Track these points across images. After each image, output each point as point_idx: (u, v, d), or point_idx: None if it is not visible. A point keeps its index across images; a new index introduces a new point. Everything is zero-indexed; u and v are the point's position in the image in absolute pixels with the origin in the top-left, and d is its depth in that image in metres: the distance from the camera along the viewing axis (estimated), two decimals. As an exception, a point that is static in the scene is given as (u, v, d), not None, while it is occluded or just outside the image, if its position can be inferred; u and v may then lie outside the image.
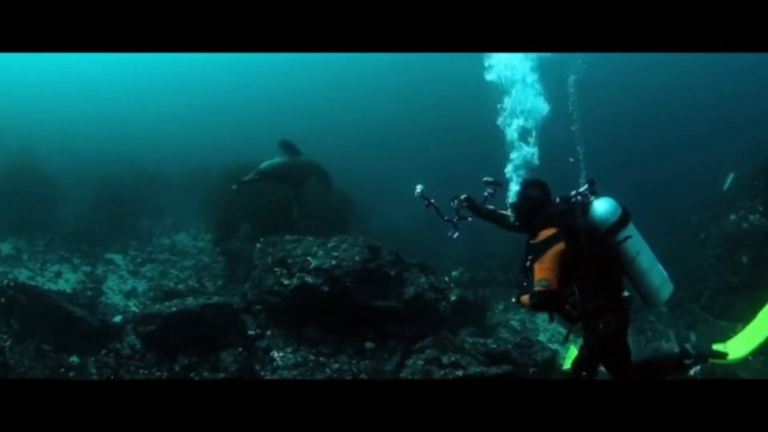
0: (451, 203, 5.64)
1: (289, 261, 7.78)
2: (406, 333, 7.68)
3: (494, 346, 7.47)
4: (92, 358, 6.85)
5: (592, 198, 4.99)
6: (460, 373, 6.33)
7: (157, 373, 6.71)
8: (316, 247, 7.91)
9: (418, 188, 5.60)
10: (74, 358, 6.80)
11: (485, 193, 5.56)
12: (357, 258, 7.68)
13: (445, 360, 6.49)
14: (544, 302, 4.88)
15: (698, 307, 13.83)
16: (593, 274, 4.86)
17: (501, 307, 14.30)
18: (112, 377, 6.60)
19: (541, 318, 14.23)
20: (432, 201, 5.62)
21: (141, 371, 6.74)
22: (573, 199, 5.07)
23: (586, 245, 4.81)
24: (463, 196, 5.62)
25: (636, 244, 4.94)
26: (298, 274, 7.60)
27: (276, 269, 7.87)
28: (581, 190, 5.08)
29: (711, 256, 14.80)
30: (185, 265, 14.28)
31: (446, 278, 9.47)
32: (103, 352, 7.01)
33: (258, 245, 8.60)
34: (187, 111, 36.88)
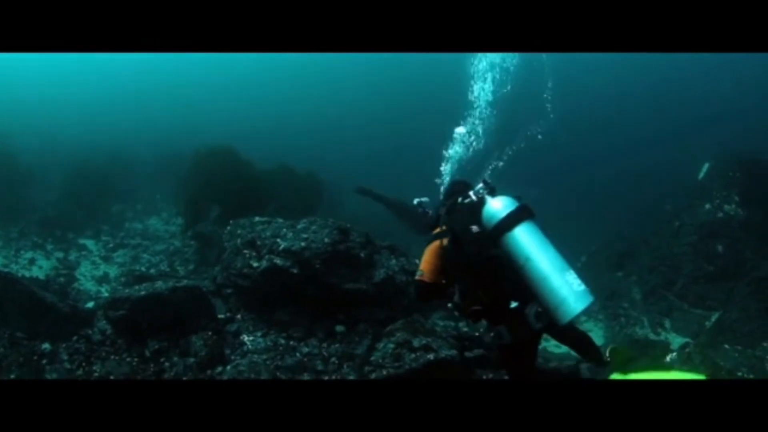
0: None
1: (258, 243, 7.63)
2: (377, 316, 7.57)
3: (466, 329, 7.39)
4: (64, 345, 6.69)
5: (488, 197, 4.88)
6: (431, 356, 6.18)
7: (128, 359, 6.57)
8: (285, 229, 7.76)
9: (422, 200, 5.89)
10: (46, 345, 6.63)
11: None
12: (326, 240, 7.53)
13: (416, 343, 6.34)
14: (418, 291, 5.03)
15: (672, 294, 13.88)
16: (471, 276, 4.78)
17: (479, 291, 14.33)
18: (83, 364, 6.47)
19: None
20: (429, 212, 5.80)
21: (112, 357, 6.59)
22: (467, 200, 5.06)
23: (468, 246, 4.78)
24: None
25: (526, 247, 4.60)
26: (267, 256, 7.45)
27: (245, 251, 7.72)
28: (477, 189, 5.05)
29: (685, 243, 14.90)
30: (157, 250, 14.28)
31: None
32: (75, 338, 6.86)
33: (228, 227, 8.45)
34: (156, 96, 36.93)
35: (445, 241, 4.94)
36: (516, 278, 4.60)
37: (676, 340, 12.09)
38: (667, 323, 13.34)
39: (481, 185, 5.06)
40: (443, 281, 4.99)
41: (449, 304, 4.96)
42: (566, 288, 4.45)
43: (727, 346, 11.12)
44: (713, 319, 12.73)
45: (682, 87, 40.86)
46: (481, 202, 4.90)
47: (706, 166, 17.51)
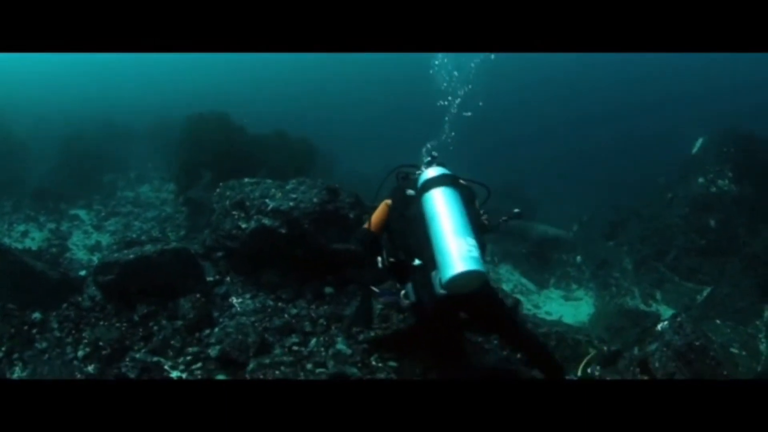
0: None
1: (247, 204, 7.57)
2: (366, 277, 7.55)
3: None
4: (54, 313, 6.68)
5: (428, 167, 5.31)
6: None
7: (117, 324, 6.52)
8: (274, 189, 7.69)
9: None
10: (36, 314, 6.62)
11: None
12: (315, 200, 7.47)
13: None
14: (360, 237, 5.61)
15: (664, 266, 13.89)
16: (396, 231, 5.35)
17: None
18: (73, 331, 6.43)
19: (504, 269, 14.35)
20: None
21: (101, 323, 6.54)
22: (418, 170, 5.44)
23: (398, 205, 5.35)
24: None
25: (435, 208, 4.86)
26: (255, 217, 7.40)
27: (234, 212, 7.66)
28: (426, 161, 5.55)
29: (678, 216, 14.95)
30: (148, 217, 14.31)
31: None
32: (64, 305, 6.84)
33: (217, 190, 8.39)
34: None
35: (389, 200, 5.54)
36: (423, 236, 4.85)
37: (667, 312, 12.12)
38: (658, 295, 13.38)
39: (429, 158, 5.54)
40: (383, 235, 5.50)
41: (378, 258, 5.32)
42: (456, 250, 4.54)
43: (718, 321, 11.19)
44: (705, 293, 12.77)
45: (679, 61, 40.90)
46: (422, 171, 5.32)
47: (700, 140, 17.50)
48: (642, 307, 12.54)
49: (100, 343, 6.18)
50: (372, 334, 6.38)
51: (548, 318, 11.46)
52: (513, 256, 15.19)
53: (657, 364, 5.37)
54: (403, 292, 5.17)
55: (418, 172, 5.42)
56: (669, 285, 13.62)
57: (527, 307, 12.51)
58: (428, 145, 6.04)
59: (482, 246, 4.93)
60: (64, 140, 18.51)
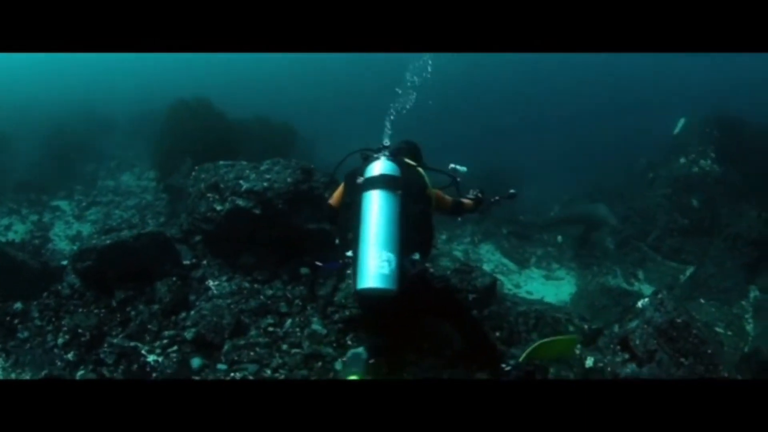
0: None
1: (222, 186, 7.50)
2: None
3: (432, 270, 7.35)
4: (35, 302, 6.69)
5: (377, 158, 5.35)
6: (391, 296, 6.20)
7: (95, 311, 6.55)
8: (248, 171, 7.63)
9: (461, 168, 6.10)
10: (18, 305, 6.65)
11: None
12: (289, 179, 7.41)
13: None
14: (323, 209, 6.08)
15: (646, 245, 13.94)
16: (342, 216, 5.53)
17: (444, 237, 14.40)
18: (53, 319, 6.47)
19: (485, 248, 14.37)
20: (459, 179, 6.14)
21: (80, 310, 6.56)
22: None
23: (349, 191, 5.49)
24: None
25: (368, 211, 4.99)
26: (229, 198, 7.34)
27: (208, 195, 7.59)
28: (379, 147, 5.64)
29: (660, 196, 15.04)
30: (129, 205, 14.33)
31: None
32: (45, 294, 6.84)
33: (193, 173, 8.33)
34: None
35: (343, 184, 5.71)
36: (355, 234, 5.01)
37: (650, 291, 12.16)
38: (641, 274, 13.44)
39: (382, 146, 5.60)
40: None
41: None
42: (368, 264, 4.73)
43: (702, 300, 11.24)
44: (688, 273, 12.82)
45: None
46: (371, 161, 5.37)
47: (681, 121, 17.57)
48: (624, 286, 12.56)
49: (80, 330, 6.22)
50: (347, 313, 6.38)
51: (529, 297, 11.44)
52: (494, 236, 15.18)
53: (638, 342, 5.35)
54: (348, 271, 5.27)
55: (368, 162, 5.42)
56: (651, 264, 13.68)
57: (508, 286, 12.51)
58: (387, 124, 6.10)
59: (421, 248, 5.24)
60: (45, 132, 18.42)
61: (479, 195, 6.21)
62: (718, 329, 9.72)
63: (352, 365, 5.22)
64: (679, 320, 5.32)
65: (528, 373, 5.40)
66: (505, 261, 14.12)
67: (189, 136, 13.15)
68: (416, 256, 5.13)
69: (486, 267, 13.23)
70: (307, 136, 16.94)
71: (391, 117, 6.12)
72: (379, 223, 4.88)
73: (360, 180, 5.23)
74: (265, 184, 7.34)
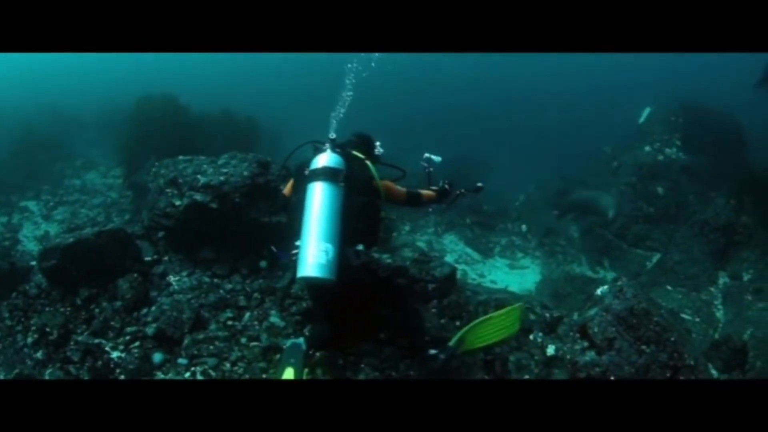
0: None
1: (180, 181, 7.49)
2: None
3: (390, 260, 7.40)
4: (5, 303, 6.71)
5: (323, 150, 5.47)
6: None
7: (61, 309, 6.57)
8: (206, 165, 7.63)
9: (435, 158, 6.26)
10: None
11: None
12: (245, 173, 7.42)
13: None
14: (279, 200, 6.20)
15: (610, 233, 14.02)
16: (291, 204, 5.72)
17: (407, 228, 14.45)
18: (22, 319, 6.51)
19: (449, 239, 14.43)
20: (431, 170, 6.30)
21: (47, 309, 6.59)
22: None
23: (297, 179, 5.67)
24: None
25: (311, 202, 5.13)
26: (187, 193, 7.34)
27: (168, 190, 7.58)
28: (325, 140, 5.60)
29: (624, 184, 15.05)
30: (94, 204, 14.33)
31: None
32: (14, 294, 6.84)
33: (153, 169, 8.33)
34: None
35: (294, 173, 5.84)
36: (299, 223, 5.13)
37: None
38: (606, 262, 13.52)
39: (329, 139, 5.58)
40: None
41: None
42: (308, 253, 4.91)
43: (669, 287, 11.33)
44: (654, 260, 12.91)
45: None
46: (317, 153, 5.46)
47: (647, 110, 17.71)
48: (589, 273, 12.67)
49: (47, 329, 6.28)
50: (304, 305, 6.43)
51: (493, 286, 11.50)
52: (457, 226, 15.25)
53: (596, 329, 5.33)
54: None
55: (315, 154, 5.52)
56: (617, 252, 13.79)
57: (472, 276, 12.61)
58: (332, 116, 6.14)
59: (366, 239, 5.44)
60: (11, 132, 18.21)
61: (447, 187, 6.27)
62: (685, 316, 9.78)
63: (290, 356, 5.20)
64: (638, 307, 5.32)
65: (457, 357, 5.51)
66: (469, 251, 14.19)
67: (154, 132, 13.14)
68: (360, 247, 5.30)
69: (449, 257, 13.32)
70: (272, 131, 16.96)
71: (341, 111, 6.13)
72: (320, 214, 5.01)
73: (306, 172, 5.33)
74: (222, 178, 7.34)
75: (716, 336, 8.92)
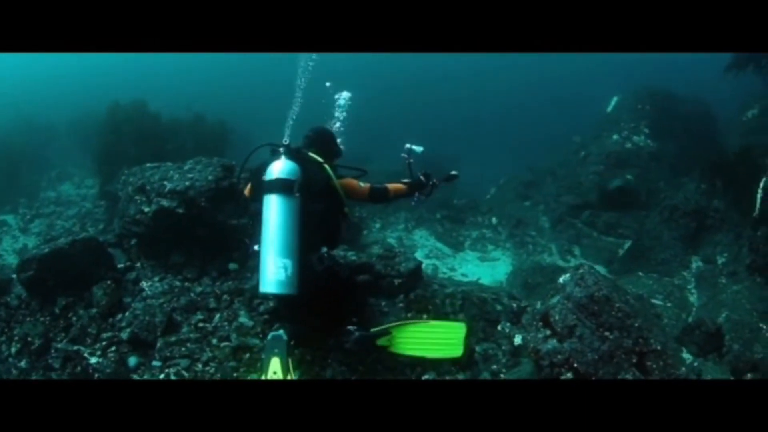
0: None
1: (148, 187, 7.64)
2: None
3: (354, 257, 7.54)
4: None
5: (279, 157, 5.42)
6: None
7: (41, 319, 6.75)
8: (172, 171, 7.78)
9: (417, 148, 6.32)
10: None
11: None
12: (210, 177, 7.58)
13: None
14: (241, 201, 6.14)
15: (580, 222, 14.13)
16: (251, 212, 5.68)
17: (378, 225, 14.54)
18: (5, 330, 6.70)
19: (419, 234, 14.56)
20: (411, 161, 6.33)
21: (28, 319, 6.77)
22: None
23: (254, 185, 5.75)
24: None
25: (268, 217, 5.19)
26: (155, 199, 7.48)
27: (136, 197, 7.72)
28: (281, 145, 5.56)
29: (592, 172, 15.15)
30: (69, 215, 14.39)
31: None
32: None
33: (122, 177, 8.45)
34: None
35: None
36: (258, 232, 5.24)
37: (585, 267, 12.33)
38: (577, 250, 13.59)
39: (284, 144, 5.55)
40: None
41: None
42: (266, 269, 5.05)
43: (641, 273, 11.45)
44: (626, 247, 13.04)
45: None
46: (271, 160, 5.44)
47: (615, 99, 17.86)
48: (560, 262, 12.78)
49: (29, 338, 6.48)
50: (272, 304, 6.58)
51: (464, 279, 11.61)
52: (427, 222, 15.35)
53: (557, 317, 5.34)
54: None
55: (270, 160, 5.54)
56: (587, 240, 13.88)
57: (443, 270, 12.74)
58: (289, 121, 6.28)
59: (327, 243, 5.56)
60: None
61: (422, 178, 6.29)
62: (656, 302, 9.76)
63: (274, 347, 5.39)
64: (599, 294, 5.32)
65: (371, 342, 5.66)
66: (440, 245, 14.29)
67: (125, 140, 13.23)
68: (324, 251, 5.40)
69: (420, 252, 13.46)
70: (244, 134, 17.04)
71: (294, 112, 6.31)
72: (276, 229, 5.08)
73: (262, 179, 5.36)
74: (187, 183, 7.49)
75: (689, 320, 8.87)
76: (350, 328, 5.62)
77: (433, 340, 5.89)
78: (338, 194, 5.63)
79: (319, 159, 5.66)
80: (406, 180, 6.26)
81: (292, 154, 5.48)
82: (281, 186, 5.17)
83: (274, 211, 5.12)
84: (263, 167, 5.45)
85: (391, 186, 6.14)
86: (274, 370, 5.19)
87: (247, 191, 6.08)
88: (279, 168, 5.27)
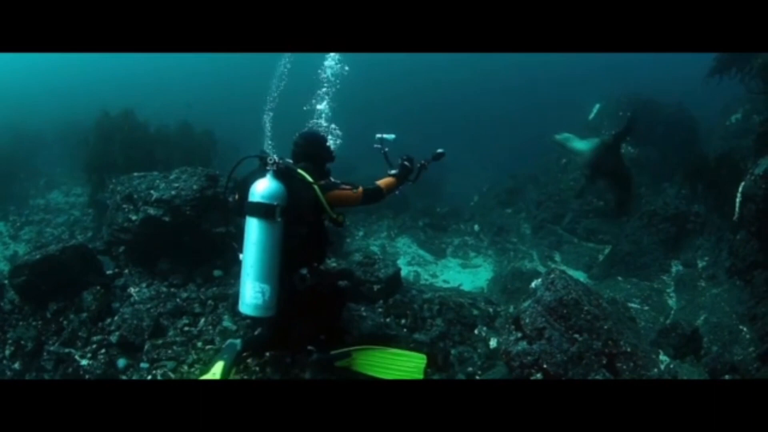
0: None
1: (135, 196, 7.87)
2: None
3: (335, 264, 7.76)
4: None
5: (265, 174, 5.21)
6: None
7: (33, 323, 6.99)
8: (158, 180, 8.03)
9: (388, 136, 6.24)
10: None
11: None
12: (195, 186, 7.84)
13: None
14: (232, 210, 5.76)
15: (561, 228, 14.34)
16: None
17: (361, 233, 14.72)
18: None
19: (402, 242, 14.75)
20: (386, 150, 6.24)
21: (20, 323, 7.01)
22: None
23: (239, 201, 5.43)
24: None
25: (246, 240, 5.16)
26: (142, 208, 7.72)
27: (124, 206, 7.95)
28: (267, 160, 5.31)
29: (572, 180, 15.33)
30: (59, 222, 14.64)
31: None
32: None
33: (110, 186, 8.67)
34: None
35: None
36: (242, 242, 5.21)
37: (569, 273, 12.49)
38: (557, 256, 13.76)
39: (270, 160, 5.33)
40: None
41: None
42: (248, 293, 5.09)
43: (620, 278, 11.66)
44: (606, 252, 13.26)
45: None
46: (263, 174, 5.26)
47: (596, 106, 18.06)
48: (540, 268, 12.89)
49: (22, 342, 6.75)
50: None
51: (446, 286, 11.80)
52: (410, 229, 15.56)
53: (527, 320, 5.47)
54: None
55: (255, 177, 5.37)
56: (568, 246, 14.12)
57: (425, 277, 12.98)
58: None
59: (310, 263, 5.50)
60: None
61: (406, 163, 6.18)
62: (633, 305, 9.96)
63: (225, 352, 5.49)
64: (568, 298, 5.44)
65: (330, 363, 5.73)
66: (422, 252, 14.54)
67: (113, 150, 13.41)
68: (304, 272, 5.34)
69: (402, 259, 13.69)
70: (230, 142, 17.22)
71: (270, 117, 6.47)
72: (256, 255, 5.06)
73: (245, 196, 5.24)
74: (173, 192, 7.76)
75: (667, 322, 8.90)
76: (310, 348, 5.70)
77: (393, 366, 5.89)
78: (326, 212, 5.46)
79: (309, 179, 5.35)
80: (392, 171, 6.15)
81: (280, 173, 5.24)
82: (263, 211, 5.05)
83: (254, 235, 5.07)
84: (249, 180, 5.30)
85: (382, 183, 6.00)
86: (214, 372, 5.26)
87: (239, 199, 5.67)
88: (262, 189, 5.10)
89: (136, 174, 8.38)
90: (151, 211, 7.66)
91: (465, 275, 13.40)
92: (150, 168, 8.84)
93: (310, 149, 5.81)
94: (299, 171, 5.37)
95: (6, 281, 7.50)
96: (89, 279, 7.46)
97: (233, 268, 7.74)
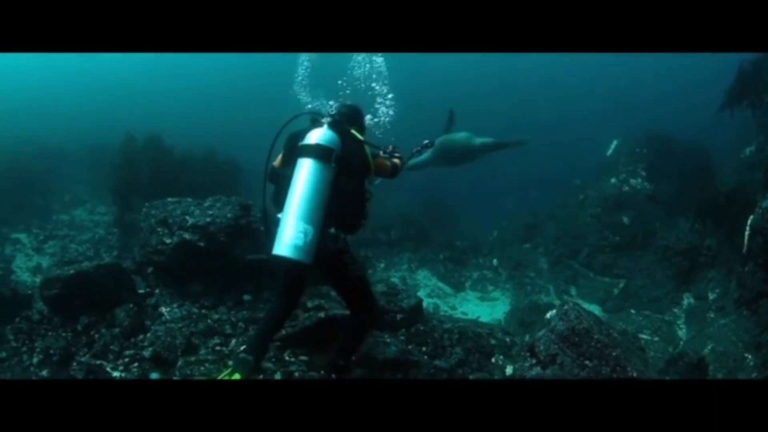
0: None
1: (170, 221, 8.16)
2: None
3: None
4: (9, 327, 7.23)
5: (320, 125, 5.25)
6: (322, 315, 6.98)
7: (63, 334, 7.14)
8: (193, 207, 8.35)
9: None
10: None
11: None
12: (229, 215, 8.16)
13: (309, 304, 7.16)
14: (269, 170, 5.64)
15: (578, 263, 14.52)
16: (279, 179, 5.42)
17: (382, 265, 14.92)
18: (27, 341, 7.07)
19: (422, 275, 14.95)
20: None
21: (50, 333, 7.16)
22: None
23: (287, 151, 5.44)
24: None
25: (297, 179, 5.00)
26: (177, 232, 8.01)
27: (158, 229, 8.23)
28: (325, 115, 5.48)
29: (589, 215, 15.57)
30: (83, 239, 14.83)
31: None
32: (17, 319, 7.37)
33: (143, 209, 8.94)
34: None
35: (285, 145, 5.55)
36: (284, 198, 5.06)
37: (584, 306, 12.63)
38: (573, 291, 13.92)
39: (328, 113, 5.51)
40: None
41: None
42: (285, 232, 4.85)
43: (633, 311, 11.86)
44: (620, 286, 13.44)
45: (601, 70, 41.97)
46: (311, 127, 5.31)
47: (614, 143, 18.27)
48: (556, 302, 13.03)
49: (51, 351, 6.86)
50: (283, 332, 6.89)
51: (464, 317, 11.98)
52: (430, 262, 15.80)
53: (542, 348, 5.64)
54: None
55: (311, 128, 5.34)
56: (583, 281, 14.33)
57: (444, 309, 13.25)
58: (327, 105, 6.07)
59: (349, 223, 5.28)
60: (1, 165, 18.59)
61: (396, 149, 6.14)
62: (643, 336, 10.20)
63: (239, 364, 5.23)
64: (579, 327, 5.60)
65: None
66: (441, 285, 14.83)
67: (139, 173, 13.76)
68: (332, 230, 5.08)
69: (422, 291, 13.95)
70: (251, 169, 17.48)
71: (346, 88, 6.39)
72: (304, 193, 4.89)
73: (300, 144, 5.17)
74: (208, 219, 8.07)
75: (675, 352, 9.01)
76: (333, 374, 5.59)
77: None
78: (370, 174, 5.47)
79: (360, 137, 5.46)
80: (397, 154, 6.12)
81: (336, 126, 5.29)
82: (319, 151, 5.01)
83: (305, 174, 4.96)
84: (301, 134, 5.29)
85: (396, 162, 6.01)
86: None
87: (277, 162, 5.69)
88: (319, 134, 5.12)
89: (170, 199, 8.65)
90: (186, 236, 7.94)
91: (483, 308, 13.65)
92: (175, 192, 9.10)
93: (354, 117, 5.83)
94: (352, 131, 5.46)
95: (30, 291, 7.70)
96: (122, 297, 7.70)
97: (263, 293, 7.98)
